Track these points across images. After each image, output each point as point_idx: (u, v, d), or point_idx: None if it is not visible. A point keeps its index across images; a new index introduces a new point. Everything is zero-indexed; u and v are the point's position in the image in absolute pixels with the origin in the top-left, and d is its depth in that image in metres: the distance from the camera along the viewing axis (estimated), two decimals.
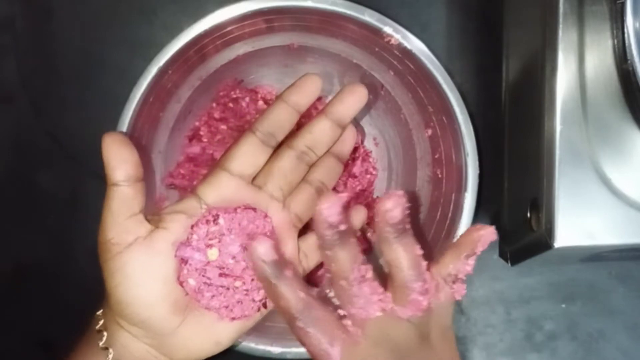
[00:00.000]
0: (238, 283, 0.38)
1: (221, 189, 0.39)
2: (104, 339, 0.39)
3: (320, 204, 0.35)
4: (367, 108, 0.53)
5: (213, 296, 0.38)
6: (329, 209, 0.35)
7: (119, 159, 0.37)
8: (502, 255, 0.50)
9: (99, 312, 0.40)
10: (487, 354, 0.53)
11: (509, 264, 0.49)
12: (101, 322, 0.39)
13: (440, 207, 0.48)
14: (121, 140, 0.37)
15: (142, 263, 0.37)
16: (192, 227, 0.38)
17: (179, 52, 0.44)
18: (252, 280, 0.39)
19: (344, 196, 0.35)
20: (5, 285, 0.52)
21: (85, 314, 0.51)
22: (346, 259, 0.36)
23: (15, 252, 0.52)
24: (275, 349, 0.46)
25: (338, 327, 0.36)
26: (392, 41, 0.44)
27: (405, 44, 0.44)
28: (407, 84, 0.48)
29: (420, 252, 0.37)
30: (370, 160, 0.53)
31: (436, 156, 0.49)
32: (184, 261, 0.38)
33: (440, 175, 0.49)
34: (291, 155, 0.41)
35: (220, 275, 0.38)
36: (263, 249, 0.36)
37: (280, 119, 0.41)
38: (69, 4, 0.52)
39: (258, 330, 0.46)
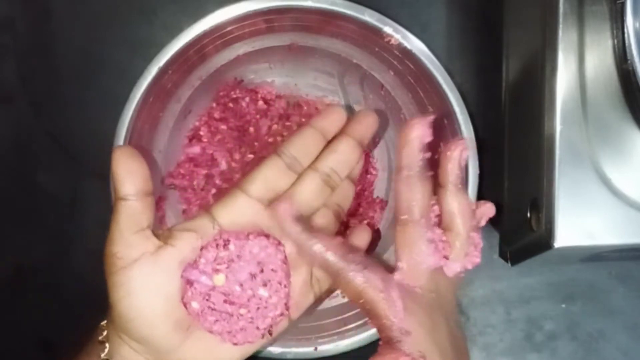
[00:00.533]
0: (243, 311, 0.37)
1: (237, 211, 0.38)
2: (106, 350, 0.38)
3: (411, 124, 0.36)
4: (368, 107, 0.53)
5: (216, 321, 0.37)
6: (422, 128, 0.35)
7: (128, 173, 0.36)
8: (502, 255, 0.50)
9: (103, 323, 0.39)
10: (487, 354, 0.53)
11: (509, 264, 0.49)
12: (104, 334, 0.39)
13: None
14: (131, 154, 0.37)
15: (146, 279, 0.36)
16: (201, 249, 0.37)
17: (179, 52, 0.44)
18: (258, 309, 0.38)
19: (432, 117, 0.36)
20: (5, 285, 0.52)
21: (85, 313, 0.51)
22: (425, 195, 0.37)
23: (15, 252, 0.52)
24: (275, 349, 0.45)
25: (387, 271, 0.36)
26: (392, 41, 0.44)
27: (405, 44, 0.44)
28: (407, 84, 0.48)
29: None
30: (370, 160, 0.53)
31: (436, 156, 0.49)
32: (189, 283, 0.37)
33: None
34: (316, 178, 0.40)
35: (225, 301, 0.37)
36: (283, 207, 0.37)
37: (308, 143, 0.40)
38: (69, 4, 0.52)
39: None
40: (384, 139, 0.53)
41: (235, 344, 0.38)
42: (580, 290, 0.52)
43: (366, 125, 0.42)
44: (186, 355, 0.38)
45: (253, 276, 0.37)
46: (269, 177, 0.39)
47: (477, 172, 0.45)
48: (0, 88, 0.52)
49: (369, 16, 0.44)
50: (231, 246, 0.37)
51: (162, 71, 0.44)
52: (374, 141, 0.53)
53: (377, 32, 0.44)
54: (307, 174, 0.40)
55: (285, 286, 0.38)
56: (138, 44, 0.51)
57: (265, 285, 0.37)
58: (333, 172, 0.40)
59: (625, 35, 0.36)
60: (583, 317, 0.52)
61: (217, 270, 0.37)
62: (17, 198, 0.52)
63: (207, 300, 0.37)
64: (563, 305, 0.52)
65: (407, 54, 0.45)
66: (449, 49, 0.51)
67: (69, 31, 0.52)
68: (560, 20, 0.38)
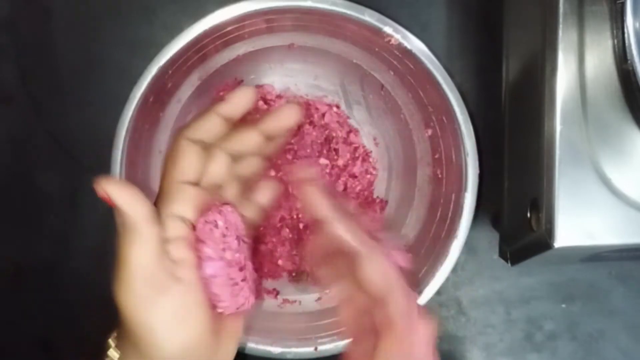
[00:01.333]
0: (247, 272, 0.40)
1: (192, 201, 0.38)
2: None
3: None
4: (368, 107, 0.53)
5: (238, 294, 0.39)
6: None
7: (134, 199, 0.35)
8: (502, 255, 0.50)
9: (111, 342, 0.38)
10: (487, 354, 0.53)
11: (509, 264, 0.49)
12: (117, 356, 0.37)
13: (440, 207, 0.48)
14: (123, 184, 0.35)
15: (173, 311, 0.35)
16: (198, 243, 0.37)
17: (179, 52, 0.44)
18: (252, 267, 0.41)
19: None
20: (5, 285, 0.52)
21: (85, 313, 0.51)
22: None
23: (15, 252, 0.52)
24: (275, 349, 0.46)
25: None
26: (392, 41, 0.44)
27: (405, 44, 0.44)
28: (407, 84, 0.48)
29: None
30: (370, 160, 0.53)
31: (436, 156, 0.49)
32: (209, 279, 0.37)
33: (440, 175, 0.49)
34: (225, 157, 0.40)
35: (240, 269, 0.39)
36: (311, 189, 0.38)
37: (213, 129, 0.40)
38: (69, 4, 0.52)
39: (259, 330, 0.46)
40: (384, 139, 0.53)
41: (250, 305, 0.40)
42: (580, 290, 0.52)
43: (282, 121, 0.43)
44: (224, 350, 0.39)
45: (239, 239, 0.39)
46: (195, 163, 0.38)
47: (477, 172, 0.45)
48: (0, 88, 0.52)
49: (369, 16, 0.44)
50: (220, 223, 0.38)
51: (162, 71, 0.44)
52: (374, 142, 0.53)
53: (377, 32, 0.44)
54: (216, 153, 0.40)
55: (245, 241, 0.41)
56: (138, 44, 0.51)
57: (245, 243, 0.40)
58: (238, 154, 0.41)
59: (625, 35, 0.36)
60: (583, 317, 0.52)
61: (223, 249, 0.38)
62: (17, 198, 0.52)
63: (230, 279, 0.38)
64: (563, 305, 0.52)
65: (407, 54, 0.45)
66: (449, 49, 0.51)
67: (69, 31, 0.52)
68: (560, 20, 0.38)
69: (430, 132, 0.49)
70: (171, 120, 0.49)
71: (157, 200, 0.38)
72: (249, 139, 0.41)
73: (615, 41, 0.38)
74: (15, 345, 0.52)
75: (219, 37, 0.45)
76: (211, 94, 0.51)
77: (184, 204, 0.37)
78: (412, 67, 0.46)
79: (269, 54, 0.50)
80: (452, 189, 0.47)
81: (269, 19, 0.46)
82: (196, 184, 0.38)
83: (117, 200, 0.34)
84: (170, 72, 0.45)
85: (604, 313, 0.52)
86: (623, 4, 0.36)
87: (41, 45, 0.52)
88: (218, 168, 0.40)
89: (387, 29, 0.44)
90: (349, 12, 0.44)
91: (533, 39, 0.43)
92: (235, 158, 0.41)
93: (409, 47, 0.44)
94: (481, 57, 0.52)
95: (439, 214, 0.48)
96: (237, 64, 0.49)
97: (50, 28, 0.52)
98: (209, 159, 0.39)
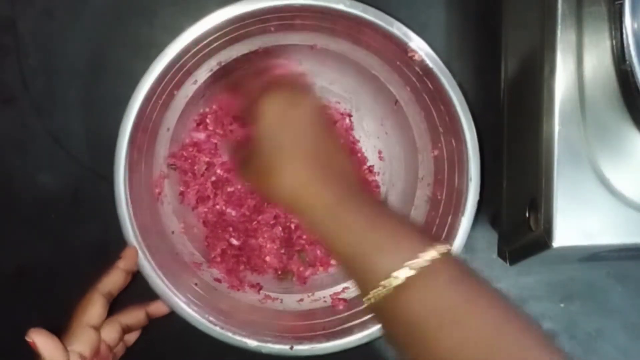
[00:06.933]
0: None
1: (92, 343, 0.44)
2: None
3: None
4: (378, 119, 0.53)
5: None
6: None
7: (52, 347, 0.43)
8: (501, 255, 0.51)
9: None
10: None
11: (508, 264, 0.49)
12: None
13: (434, 228, 0.48)
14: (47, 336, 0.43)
15: None
16: None
17: (179, 53, 0.43)
18: None
19: None
20: (5, 285, 0.52)
21: None
22: None
23: (15, 252, 0.52)
24: (252, 342, 0.45)
25: None
26: (416, 57, 0.44)
27: (428, 61, 0.44)
28: (422, 102, 0.48)
29: None
30: (374, 173, 0.53)
31: (439, 177, 0.49)
32: None
33: (439, 197, 0.48)
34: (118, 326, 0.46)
35: None
36: None
37: (118, 280, 0.46)
38: (70, 5, 0.52)
39: (237, 321, 0.46)
40: (389, 154, 0.53)
41: None
42: (578, 290, 0.52)
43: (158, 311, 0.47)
44: None
45: None
46: (99, 311, 0.45)
47: (477, 198, 0.45)
48: (1, 88, 0.52)
49: (397, 29, 0.43)
50: None
51: (164, 72, 0.43)
52: (378, 155, 0.53)
53: (402, 46, 0.44)
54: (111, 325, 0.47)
55: None
56: (138, 45, 0.51)
57: None
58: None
59: (624, 35, 0.36)
60: (581, 316, 0.52)
61: None
62: (18, 198, 0.52)
63: None
64: (561, 305, 0.52)
65: (427, 72, 0.44)
66: (448, 50, 0.52)
67: (69, 32, 0.52)
68: (559, 21, 0.39)
69: (436, 152, 0.48)
70: (184, 100, 0.49)
71: (65, 338, 0.44)
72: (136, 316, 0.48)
73: (614, 42, 0.38)
74: (15, 345, 0.52)
75: (242, 27, 0.45)
76: (225, 83, 0.50)
77: (84, 345, 0.44)
78: (430, 85, 0.45)
79: (290, 51, 0.49)
80: (450, 212, 0.47)
81: (294, 16, 0.45)
82: (97, 328, 0.45)
83: (40, 348, 0.43)
84: (171, 73, 0.44)
85: (603, 312, 0.52)
86: (622, 5, 0.36)
87: (42, 46, 0.52)
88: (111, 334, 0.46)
89: (413, 45, 0.44)
90: (377, 20, 0.43)
91: (532, 40, 0.43)
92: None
93: (430, 65, 0.44)
94: (480, 58, 0.52)
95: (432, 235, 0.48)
96: (256, 57, 0.48)
97: (51, 29, 0.52)
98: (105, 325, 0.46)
